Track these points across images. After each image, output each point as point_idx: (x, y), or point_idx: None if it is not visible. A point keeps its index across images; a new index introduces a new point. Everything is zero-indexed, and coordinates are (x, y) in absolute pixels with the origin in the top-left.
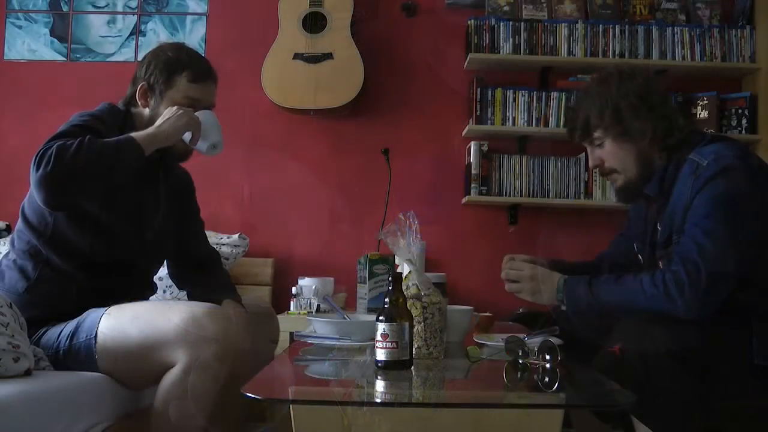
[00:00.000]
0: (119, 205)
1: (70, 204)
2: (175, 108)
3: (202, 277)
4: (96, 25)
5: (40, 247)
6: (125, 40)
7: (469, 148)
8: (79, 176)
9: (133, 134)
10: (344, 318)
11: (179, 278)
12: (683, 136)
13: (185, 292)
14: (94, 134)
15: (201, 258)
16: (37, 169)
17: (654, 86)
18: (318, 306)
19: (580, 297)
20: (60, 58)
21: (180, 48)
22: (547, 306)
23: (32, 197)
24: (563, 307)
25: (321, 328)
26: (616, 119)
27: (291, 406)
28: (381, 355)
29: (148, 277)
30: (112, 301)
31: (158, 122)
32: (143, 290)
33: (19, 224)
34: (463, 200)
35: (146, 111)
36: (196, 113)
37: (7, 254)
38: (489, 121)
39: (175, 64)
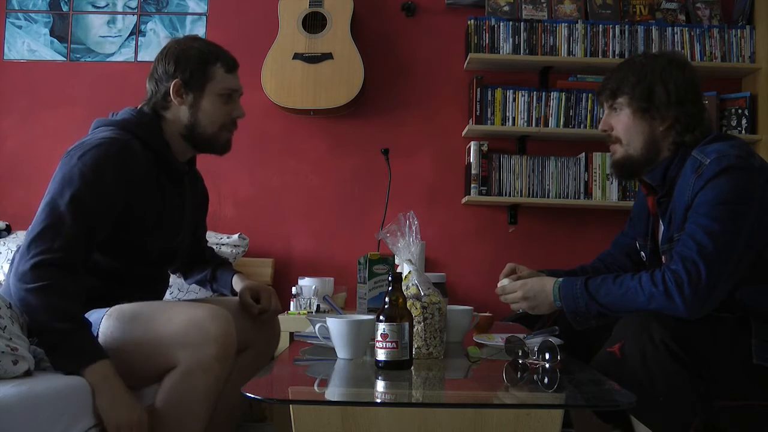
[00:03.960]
0: (147, 225)
1: None
2: (138, 414)
3: (201, 264)
4: (96, 25)
5: None
6: (125, 40)
7: (469, 148)
8: (31, 317)
9: (94, 368)
10: None
11: (179, 271)
12: (700, 136)
13: (185, 293)
14: (109, 196)
15: (200, 254)
16: (29, 276)
17: (696, 83)
18: (318, 306)
19: (577, 299)
20: (60, 58)
21: (201, 39)
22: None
23: None
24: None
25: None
26: (646, 97)
27: (291, 406)
28: (381, 355)
29: (164, 283)
30: (117, 303)
31: (116, 389)
32: (155, 296)
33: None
34: (463, 200)
35: (183, 109)
36: (331, 319)
37: (19, 249)
38: (489, 121)
39: (207, 56)
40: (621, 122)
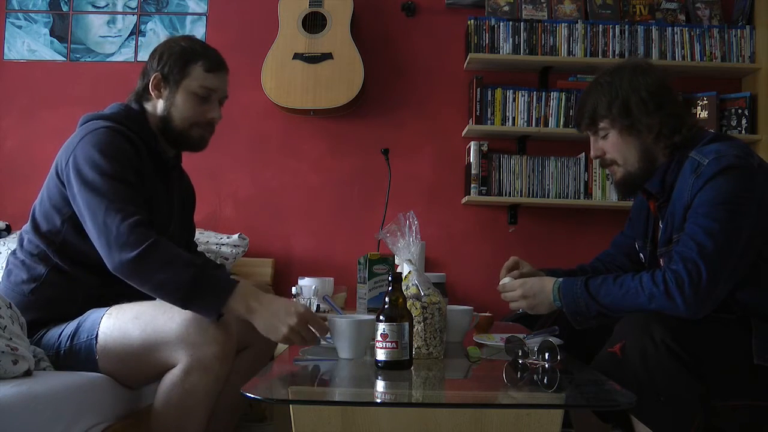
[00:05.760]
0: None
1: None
2: (295, 309)
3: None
4: (96, 25)
5: (49, 253)
6: (125, 40)
7: (469, 148)
8: (146, 284)
9: (236, 294)
10: None
11: None
12: (689, 134)
13: None
14: (131, 167)
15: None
16: (122, 243)
17: (667, 83)
18: (318, 306)
19: (577, 299)
20: (60, 58)
21: (192, 39)
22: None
23: (44, 202)
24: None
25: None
26: (625, 112)
27: (291, 406)
28: (381, 355)
29: None
30: (115, 302)
31: (265, 309)
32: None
33: (28, 227)
34: (463, 200)
35: (159, 102)
36: (334, 319)
37: (14, 252)
38: (489, 121)
39: (189, 54)
40: (611, 145)
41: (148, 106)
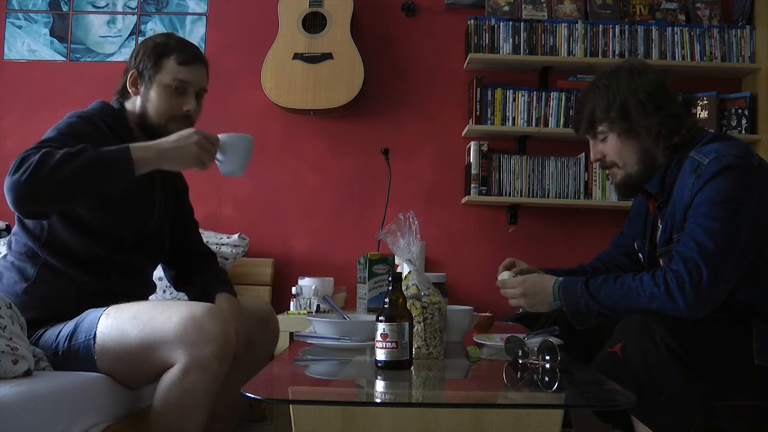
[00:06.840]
0: (115, 205)
1: (39, 214)
2: (189, 131)
3: (198, 277)
4: (96, 25)
5: (37, 250)
6: (125, 40)
7: (469, 148)
8: (56, 191)
9: (134, 147)
10: (344, 318)
11: (176, 280)
12: (688, 134)
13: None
14: (84, 140)
15: (196, 259)
16: (13, 172)
17: (664, 84)
18: (318, 306)
19: (578, 299)
20: (60, 58)
21: (169, 35)
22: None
23: None
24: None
25: (321, 328)
26: (623, 115)
27: (291, 406)
28: (381, 355)
29: (147, 275)
30: (112, 301)
31: (168, 145)
32: (143, 289)
33: (16, 227)
34: (463, 200)
35: (137, 99)
36: (221, 136)
37: (4, 256)
38: (489, 121)
39: (163, 48)
40: (610, 147)
41: (128, 105)
